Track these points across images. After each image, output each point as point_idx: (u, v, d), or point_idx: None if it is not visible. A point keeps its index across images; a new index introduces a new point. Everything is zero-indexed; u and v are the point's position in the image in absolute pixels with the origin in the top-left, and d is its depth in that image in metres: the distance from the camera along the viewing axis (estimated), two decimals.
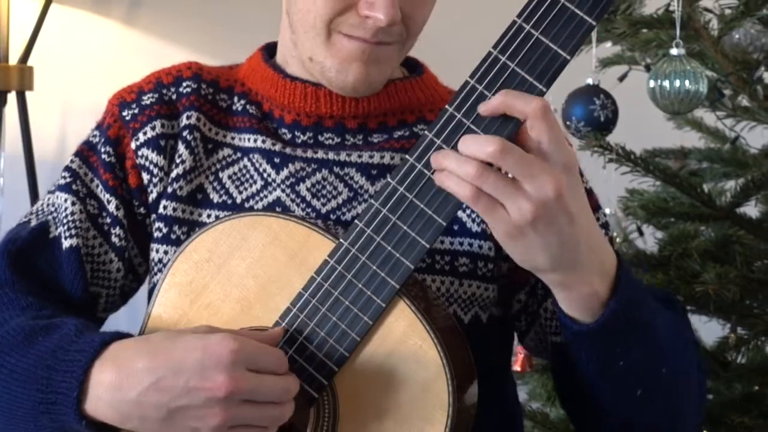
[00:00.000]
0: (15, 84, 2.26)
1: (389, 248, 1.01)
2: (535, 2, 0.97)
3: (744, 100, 1.84)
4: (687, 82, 1.57)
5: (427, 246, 1.00)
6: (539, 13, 0.97)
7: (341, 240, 1.03)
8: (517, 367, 1.80)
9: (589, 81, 1.87)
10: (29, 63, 2.29)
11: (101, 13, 2.55)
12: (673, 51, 1.59)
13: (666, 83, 1.58)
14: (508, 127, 0.96)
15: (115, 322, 1.36)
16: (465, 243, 1.19)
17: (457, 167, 0.94)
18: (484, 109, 0.97)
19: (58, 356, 1.02)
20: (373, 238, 1.02)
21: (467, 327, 1.18)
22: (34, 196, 2.36)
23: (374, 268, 1.01)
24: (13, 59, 2.28)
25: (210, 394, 0.95)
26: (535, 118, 0.94)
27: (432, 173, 0.99)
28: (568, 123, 1.73)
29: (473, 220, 1.19)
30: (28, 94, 2.30)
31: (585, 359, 1.07)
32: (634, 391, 1.09)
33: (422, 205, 1.00)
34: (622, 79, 1.83)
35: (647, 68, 1.79)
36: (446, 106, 1.00)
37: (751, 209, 1.88)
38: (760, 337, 1.74)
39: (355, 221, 1.03)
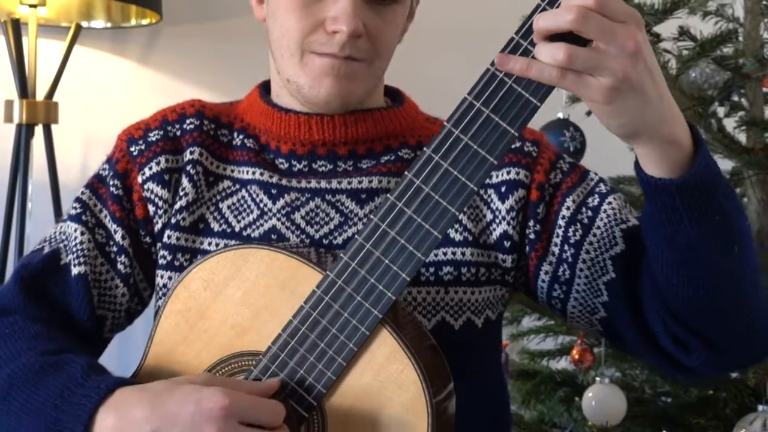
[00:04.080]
0: (41, 118, 2.27)
1: (372, 280, 1.01)
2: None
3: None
4: None
5: (408, 279, 1.00)
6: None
7: (328, 272, 1.03)
8: None
9: (560, 115, 1.90)
10: (54, 99, 2.30)
11: (119, 53, 2.57)
12: None
13: None
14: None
15: (130, 331, 1.40)
16: (449, 252, 1.18)
17: (549, 56, 0.92)
18: None
19: (65, 397, 1.01)
20: (357, 271, 1.01)
21: (458, 332, 1.16)
22: (58, 220, 2.36)
23: (359, 298, 1.01)
24: (40, 95, 2.28)
25: None
26: None
27: (412, 212, 1.00)
28: None
29: (455, 230, 1.18)
30: (53, 127, 2.31)
31: (678, 218, 1.00)
32: (731, 248, 1.02)
33: (403, 241, 1.00)
34: (589, 113, 1.84)
35: None
36: (427, 149, 1.00)
37: None
38: None
39: (341, 254, 1.02)
